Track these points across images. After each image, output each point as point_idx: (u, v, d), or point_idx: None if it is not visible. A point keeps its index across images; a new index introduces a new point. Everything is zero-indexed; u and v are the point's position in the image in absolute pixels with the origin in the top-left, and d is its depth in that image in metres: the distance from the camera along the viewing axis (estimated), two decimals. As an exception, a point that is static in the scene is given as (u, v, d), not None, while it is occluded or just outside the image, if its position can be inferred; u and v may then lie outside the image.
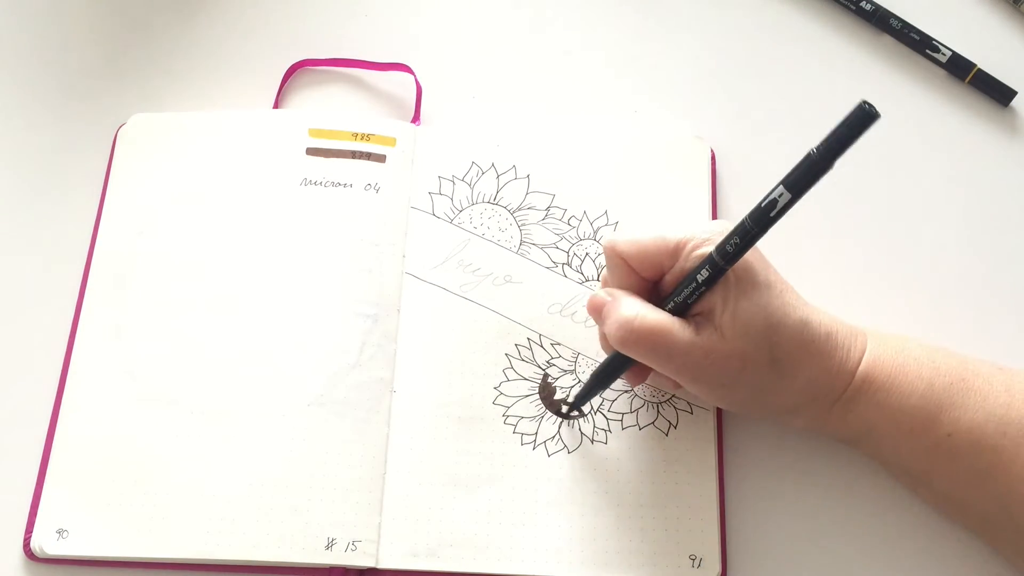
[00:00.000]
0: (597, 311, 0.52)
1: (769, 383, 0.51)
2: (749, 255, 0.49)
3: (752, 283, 0.50)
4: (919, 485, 0.54)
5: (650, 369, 0.53)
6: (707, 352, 0.50)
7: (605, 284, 0.54)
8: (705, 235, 0.50)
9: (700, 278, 0.49)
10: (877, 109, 0.41)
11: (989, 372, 0.52)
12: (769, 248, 0.52)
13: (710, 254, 0.49)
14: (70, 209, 0.61)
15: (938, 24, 0.67)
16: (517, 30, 0.68)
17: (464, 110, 0.65)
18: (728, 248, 0.48)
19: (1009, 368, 0.53)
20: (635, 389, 0.57)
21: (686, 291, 0.50)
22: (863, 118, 0.42)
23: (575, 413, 0.56)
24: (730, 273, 0.49)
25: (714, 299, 0.50)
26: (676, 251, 0.51)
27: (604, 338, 0.54)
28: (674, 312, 0.51)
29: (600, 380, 0.54)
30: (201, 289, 0.58)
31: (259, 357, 0.57)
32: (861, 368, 0.51)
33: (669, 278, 0.52)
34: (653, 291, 0.53)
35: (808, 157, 0.43)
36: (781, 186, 0.45)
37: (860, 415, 0.52)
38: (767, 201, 0.46)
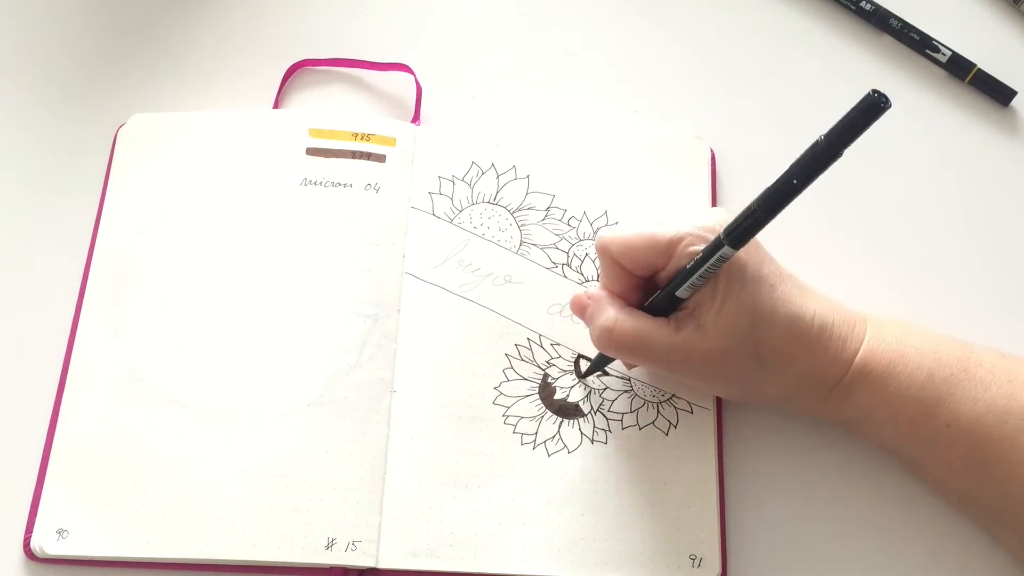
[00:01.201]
0: (581, 311, 0.54)
1: (756, 377, 0.51)
2: (743, 250, 0.48)
3: (741, 280, 0.49)
4: (918, 471, 0.54)
5: None
6: (687, 352, 0.50)
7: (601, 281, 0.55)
8: (698, 232, 0.50)
9: (704, 269, 0.48)
10: (887, 98, 0.41)
11: (992, 361, 0.51)
12: (769, 247, 0.52)
13: (717, 236, 0.47)
14: (70, 209, 0.61)
15: (938, 24, 0.67)
16: (517, 30, 0.68)
17: (464, 110, 0.65)
18: (735, 232, 0.47)
19: (1014, 356, 0.53)
20: (635, 388, 0.57)
21: (682, 286, 0.50)
22: (871, 108, 0.41)
23: (590, 377, 0.57)
24: (721, 271, 0.49)
25: (703, 296, 0.50)
26: (669, 250, 0.50)
27: (571, 305, 0.55)
28: (663, 306, 0.51)
29: (603, 357, 0.56)
30: (201, 289, 0.58)
31: (259, 357, 0.57)
32: (858, 358, 0.51)
33: (664, 275, 0.51)
34: (648, 285, 0.53)
35: (816, 144, 0.43)
36: (789, 173, 0.44)
37: (857, 403, 0.51)
38: (775, 186, 0.45)
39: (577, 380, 0.57)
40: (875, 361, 0.51)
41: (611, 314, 0.51)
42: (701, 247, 0.49)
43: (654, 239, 0.51)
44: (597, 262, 0.60)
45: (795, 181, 0.44)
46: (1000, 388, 0.50)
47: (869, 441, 0.55)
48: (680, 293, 0.50)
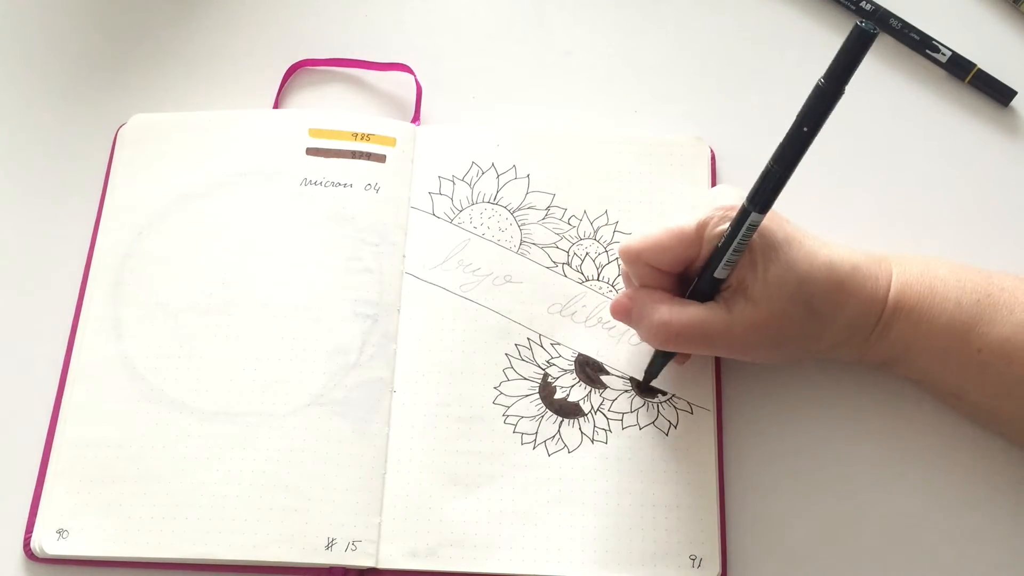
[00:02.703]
0: (626, 314, 0.54)
1: (812, 332, 0.52)
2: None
3: (773, 245, 0.51)
4: (953, 398, 0.55)
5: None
6: (745, 328, 0.51)
7: (627, 281, 0.55)
8: (721, 212, 0.51)
9: (737, 242, 0.49)
10: (874, 24, 0.42)
11: (1014, 285, 0.53)
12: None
13: (742, 206, 0.49)
14: (70, 209, 0.61)
15: (938, 24, 0.67)
16: (517, 30, 0.68)
17: (464, 110, 0.65)
18: (758, 197, 0.48)
19: None
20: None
21: (719, 265, 0.51)
22: (861, 37, 0.42)
23: (652, 387, 0.57)
24: (753, 243, 0.50)
25: (743, 272, 0.51)
26: (698, 236, 0.51)
27: (613, 311, 0.55)
28: (706, 291, 0.52)
29: (661, 358, 0.56)
30: (201, 289, 0.58)
31: (259, 357, 0.57)
32: (891, 294, 0.52)
33: (698, 264, 0.52)
34: (681, 280, 0.54)
35: (817, 88, 0.44)
36: (797, 123, 0.45)
37: (895, 339, 0.53)
38: (788, 140, 0.46)
39: (639, 394, 0.57)
40: (906, 295, 0.52)
41: (663, 309, 0.52)
42: (728, 225, 0.50)
43: (682, 232, 0.52)
44: (597, 261, 0.60)
45: (805, 128, 0.45)
46: None
47: (906, 376, 0.56)
48: (719, 274, 0.51)
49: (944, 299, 0.52)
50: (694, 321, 0.52)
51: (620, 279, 0.59)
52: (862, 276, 0.52)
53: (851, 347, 0.54)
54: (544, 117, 0.65)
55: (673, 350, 0.55)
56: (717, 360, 0.58)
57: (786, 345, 0.53)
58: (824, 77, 0.43)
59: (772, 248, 0.51)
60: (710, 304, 0.52)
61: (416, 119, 0.64)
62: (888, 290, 0.53)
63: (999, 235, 0.62)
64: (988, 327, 0.52)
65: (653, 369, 0.56)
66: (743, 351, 0.54)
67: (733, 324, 0.51)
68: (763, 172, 0.47)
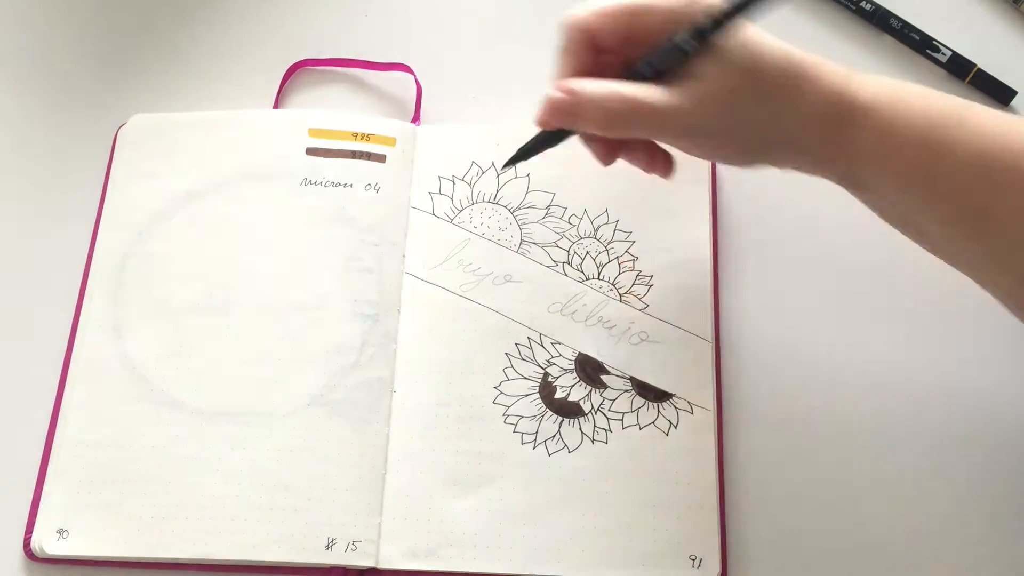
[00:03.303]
0: (562, 112, 0.50)
1: (766, 115, 0.50)
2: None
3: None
4: (916, 234, 0.53)
5: (618, 146, 0.53)
6: (696, 102, 0.49)
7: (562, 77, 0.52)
8: None
9: (700, 34, 0.48)
10: None
11: (982, 108, 0.50)
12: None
13: (719, 6, 0.47)
14: (70, 209, 0.61)
15: (938, 24, 0.67)
16: (517, 30, 0.68)
17: (464, 110, 0.65)
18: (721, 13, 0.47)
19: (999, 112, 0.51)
20: (635, 388, 0.57)
21: (673, 50, 0.49)
22: None
23: (513, 165, 0.54)
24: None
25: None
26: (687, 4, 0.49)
27: (548, 112, 0.51)
28: (656, 66, 0.50)
29: (544, 138, 0.53)
30: (201, 289, 0.58)
31: (259, 357, 0.57)
32: (858, 92, 0.50)
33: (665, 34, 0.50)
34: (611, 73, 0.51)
35: None
36: None
37: (859, 148, 0.50)
38: None
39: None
40: (877, 100, 0.50)
41: (606, 85, 0.49)
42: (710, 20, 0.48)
43: None
44: (598, 260, 0.60)
45: None
46: (997, 125, 0.49)
47: (868, 201, 0.53)
48: (682, 42, 0.49)
49: (910, 108, 0.50)
50: (639, 95, 0.49)
51: (621, 278, 0.59)
52: (827, 69, 0.50)
53: (810, 149, 0.51)
54: (544, 117, 0.65)
55: (617, 134, 0.52)
56: (717, 360, 0.58)
57: (739, 131, 0.50)
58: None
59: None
60: (655, 84, 0.49)
61: (416, 119, 0.64)
62: (855, 87, 0.50)
63: (999, 235, 0.62)
64: (953, 147, 0.49)
65: (528, 147, 0.53)
66: (693, 134, 0.51)
67: (684, 101, 0.48)
68: None
